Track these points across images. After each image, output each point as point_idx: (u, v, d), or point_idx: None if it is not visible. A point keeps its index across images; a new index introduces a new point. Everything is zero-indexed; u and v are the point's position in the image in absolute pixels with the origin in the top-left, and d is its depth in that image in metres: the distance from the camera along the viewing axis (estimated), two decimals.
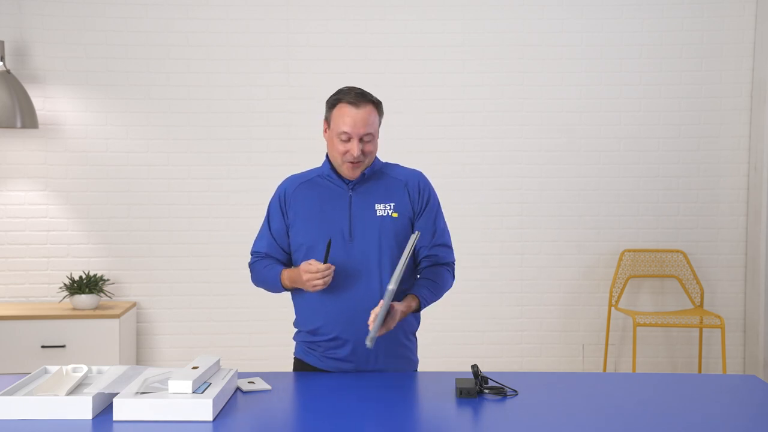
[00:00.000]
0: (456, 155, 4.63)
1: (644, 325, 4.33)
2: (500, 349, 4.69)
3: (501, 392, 2.27)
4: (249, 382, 2.35)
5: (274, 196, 2.61)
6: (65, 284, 4.33)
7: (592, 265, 4.70)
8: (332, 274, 2.39)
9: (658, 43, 4.62)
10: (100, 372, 2.37)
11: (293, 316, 2.62)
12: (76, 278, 4.34)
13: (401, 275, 2.24)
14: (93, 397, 2.06)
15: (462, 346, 4.66)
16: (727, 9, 4.60)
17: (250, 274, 2.65)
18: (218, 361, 2.31)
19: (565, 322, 4.71)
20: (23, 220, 4.55)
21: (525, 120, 4.65)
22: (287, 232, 2.56)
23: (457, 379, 2.30)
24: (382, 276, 2.46)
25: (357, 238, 2.47)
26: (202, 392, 2.10)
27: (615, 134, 4.66)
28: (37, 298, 4.56)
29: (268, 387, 2.33)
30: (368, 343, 2.22)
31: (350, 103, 2.44)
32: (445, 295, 2.60)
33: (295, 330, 2.63)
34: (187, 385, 2.08)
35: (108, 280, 4.49)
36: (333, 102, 2.49)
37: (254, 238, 2.65)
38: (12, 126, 4.24)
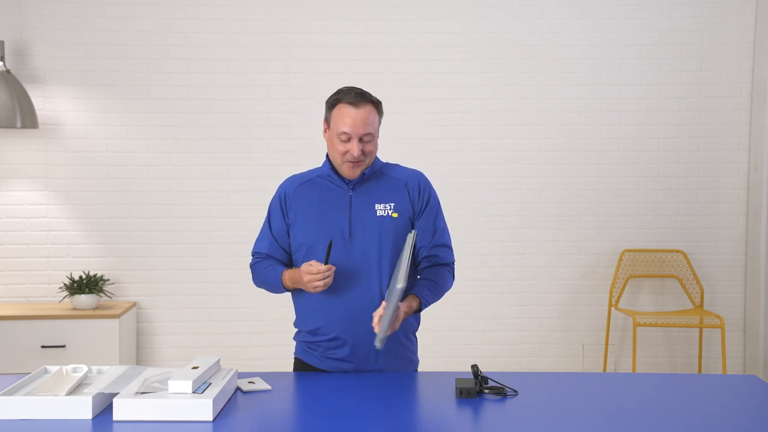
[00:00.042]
0: (456, 155, 4.63)
1: (644, 325, 4.33)
2: (500, 349, 4.69)
3: (501, 392, 2.27)
4: (249, 382, 2.35)
5: (274, 196, 2.61)
6: (65, 284, 4.33)
7: (592, 265, 4.70)
8: (333, 275, 2.39)
9: (658, 43, 4.62)
10: (100, 372, 2.37)
11: (293, 316, 2.62)
12: (76, 278, 4.34)
13: (408, 272, 2.22)
14: (93, 397, 2.06)
15: (462, 346, 4.66)
16: (727, 9, 4.60)
17: (251, 276, 2.65)
18: (218, 361, 2.31)
19: (565, 322, 4.71)
20: (23, 220, 4.55)
21: (525, 120, 4.65)
22: (288, 232, 2.56)
23: (457, 379, 2.30)
24: (382, 276, 2.46)
25: (357, 238, 2.47)
26: (202, 392, 2.10)
27: (615, 134, 4.66)
28: (37, 298, 4.56)
29: (268, 387, 2.33)
30: (378, 344, 2.20)
31: (350, 103, 2.44)
32: (445, 295, 2.60)
33: (296, 330, 2.63)
34: (187, 385, 2.08)
35: (108, 280, 4.49)
36: (332, 102, 2.49)
37: (255, 239, 2.65)
38: (12, 126, 4.24)
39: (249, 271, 2.67)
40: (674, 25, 4.62)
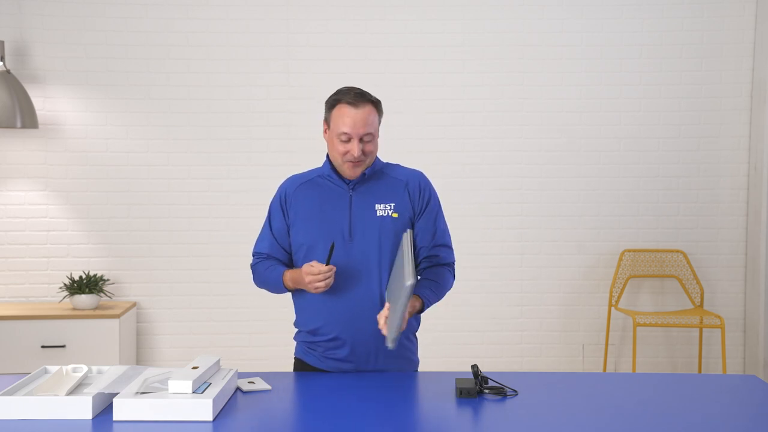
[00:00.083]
0: (456, 155, 4.63)
1: (644, 325, 4.33)
2: (500, 349, 4.69)
3: (501, 392, 2.27)
4: (249, 382, 2.35)
5: (275, 196, 2.61)
6: (65, 284, 4.33)
7: (592, 265, 4.70)
8: (334, 276, 2.39)
9: (658, 43, 4.62)
10: (100, 372, 2.37)
11: (293, 316, 2.62)
12: (76, 278, 4.34)
13: (413, 269, 2.19)
14: (93, 397, 2.06)
15: (462, 346, 4.66)
16: (727, 9, 4.60)
17: (252, 276, 2.65)
18: (218, 361, 2.31)
19: (565, 322, 4.71)
20: (23, 220, 4.55)
21: (525, 120, 4.65)
22: (288, 232, 2.56)
23: (457, 379, 2.30)
24: (382, 276, 2.46)
25: (357, 238, 2.47)
26: (202, 392, 2.10)
27: (615, 134, 4.66)
28: (37, 298, 4.56)
29: (268, 387, 2.33)
30: (390, 345, 2.19)
31: (349, 103, 2.44)
32: (445, 295, 2.60)
33: (296, 330, 2.63)
34: (187, 385, 2.08)
35: (108, 280, 4.49)
36: (332, 103, 2.49)
37: (255, 239, 2.65)
38: (12, 126, 4.24)
39: (249, 271, 2.67)
40: (674, 25, 4.62)
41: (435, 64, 4.61)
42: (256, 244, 2.63)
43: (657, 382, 2.45)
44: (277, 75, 4.59)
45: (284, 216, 2.56)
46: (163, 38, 4.55)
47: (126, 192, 4.58)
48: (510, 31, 4.61)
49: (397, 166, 2.62)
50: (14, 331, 4.18)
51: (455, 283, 2.64)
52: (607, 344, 4.63)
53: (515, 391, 2.28)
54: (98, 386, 2.13)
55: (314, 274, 2.36)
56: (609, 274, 4.69)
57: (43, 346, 4.19)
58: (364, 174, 2.50)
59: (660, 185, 4.67)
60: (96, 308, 4.33)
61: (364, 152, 2.45)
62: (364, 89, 2.50)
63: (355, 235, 2.47)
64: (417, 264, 2.58)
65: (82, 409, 2.04)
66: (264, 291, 2.65)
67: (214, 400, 2.04)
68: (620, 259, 4.63)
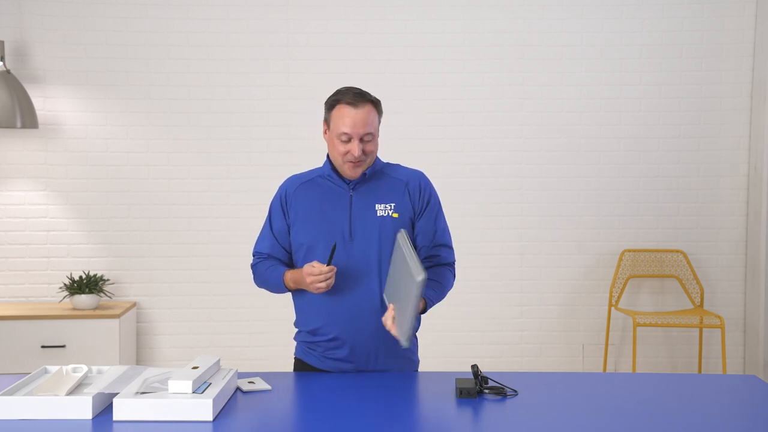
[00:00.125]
0: (456, 155, 4.63)
1: (644, 325, 4.33)
2: (500, 349, 4.69)
3: (501, 392, 2.27)
4: (249, 382, 2.35)
5: (275, 196, 2.61)
6: (65, 284, 4.33)
7: (592, 265, 4.70)
8: (334, 276, 2.39)
9: (658, 43, 4.62)
10: (100, 372, 2.37)
11: (293, 316, 2.62)
12: (76, 278, 4.34)
13: (420, 264, 2.14)
14: (93, 397, 2.06)
15: (462, 346, 4.66)
16: (727, 9, 4.60)
17: (252, 276, 2.65)
18: (218, 361, 2.31)
19: (565, 322, 4.71)
20: (23, 220, 4.55)
21: (525, 120, 4.65)
22: (288, 232, 2.56)
23: (457, 379, 2.30)
24: (382, 276, 2.46)
25: (357, 238, 2.47)
26: (202, 392, 2.10)
27: (615, 134, 4.66)
28: (37, 298, 4.56)
29: (268, 387, 2.33)
30: (405, 343, 2.18)
31: (349, 103, 2.44)
32: (446, 295, 2.60)
33: (296, 330, 2.63)
34: (187, 385, 2.08)
35: (108, 280, 4.49)
36: (332, 103, 2.49)
37: (255, 239, 2.65)
38: (12, 126, 4.24)
39: (249, 271, 2.67)
40: (674, 25, 4.62)
41: (435, 64, 4.61)
42: (256, 243, 2.63)
43: (657, 382, 2.45)
44: (277, 75, 4.59)
45: (284, 216, 2.56)
46: (163, 38, 4.55)
47: (126, 192, 4.58)
48: (510, 31, 4.61)
49: (398, 166, 2.62)
50: (14, 331, 4.18)
51: (455, 283, 2.64)
52: (607, 344, 4.63)
53: (515, 391, 2.28)
54: (98, 386, 2.13)
55: (315, 274, 2.36)
56: (609, 274, 4.69)
57: (43, 346, 4.19)
58: (364, 174, 2.50)
59: (660, 185, 4.67)
60: (96, 308, 4.33)
61: (364, 152, 2.45)
62: (363, 89, 2.50)
63: (356, 235, 2.47)
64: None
65: (82, 409, 2.04)
66: (264, 291, 2.66)
67: (214, 400, 2.04)
68: (620, 259, 4.63)
